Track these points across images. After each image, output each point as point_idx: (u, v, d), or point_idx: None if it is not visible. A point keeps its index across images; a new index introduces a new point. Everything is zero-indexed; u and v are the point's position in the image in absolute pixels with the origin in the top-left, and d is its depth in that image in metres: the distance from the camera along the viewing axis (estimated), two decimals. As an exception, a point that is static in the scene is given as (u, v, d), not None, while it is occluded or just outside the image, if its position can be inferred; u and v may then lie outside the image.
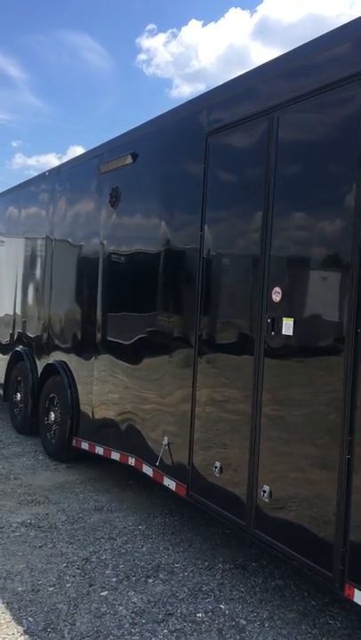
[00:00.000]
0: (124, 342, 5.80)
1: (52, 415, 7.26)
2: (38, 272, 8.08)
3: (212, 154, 4.51)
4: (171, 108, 5.19)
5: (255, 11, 48.11)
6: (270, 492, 3.79)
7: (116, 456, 5.84)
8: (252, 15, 49.66)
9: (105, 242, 6.23)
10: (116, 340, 5.98)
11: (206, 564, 4.62)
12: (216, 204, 4.46)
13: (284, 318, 3.73)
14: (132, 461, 5.55)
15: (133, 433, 5.53)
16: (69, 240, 7.13)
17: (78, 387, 6.79)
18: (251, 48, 49.32)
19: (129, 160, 5.70)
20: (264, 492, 3.82)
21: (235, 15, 48.61)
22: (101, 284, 6.26)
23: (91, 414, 6.41)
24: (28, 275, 8.47)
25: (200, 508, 4.67)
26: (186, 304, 4.83)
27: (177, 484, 4.81)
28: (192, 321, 4.65)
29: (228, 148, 4.37)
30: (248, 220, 4.11)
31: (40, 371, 7.72)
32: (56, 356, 7.40)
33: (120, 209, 5.94)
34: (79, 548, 4.79)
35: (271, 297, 3.84)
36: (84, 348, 6.65)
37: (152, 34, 48.86)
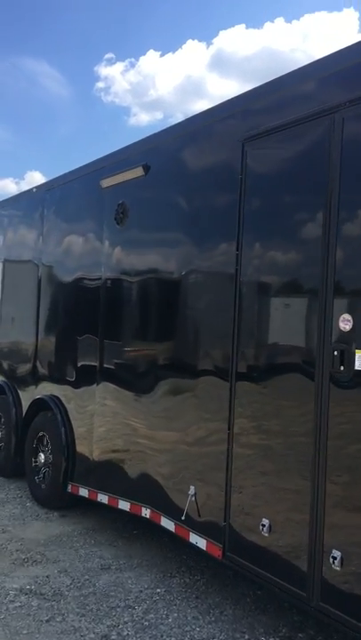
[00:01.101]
0: (134, 374, 5.15)
1: (42, 456, 6.50)
2: (22, 298, 7.35)
3: (250, 162, 3.95)
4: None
5: (211, 43, 49.03)
6: (342, 559, 3.17)
7: (124, 506, 5.13)
8: (208, 47, 50.60)
9: (109, 262, 5.60)
10: (124, 371, 5.32)
11: (246, 637, 3.94)
12: (259, 218, 3.89)
13: (357, 350, 3.16)
14: (146, 513, 4.85)
15: (148, 480, 4.85)
16: (62, 262, 6.46)
17: (74, 424, 6.08)
18: (207, 79, 50.20)
19: (140, 172, 5.11)
20: (334, 558, 3.20)
21: (192, 47, 49.48)
22: (104, 308, 5.60)
23: (91, 456, 5.69)
24: (8, 301, 7.73)
25: (240, 572, 4.01)
26: (216, 330, 4.22)
27: (209, 542, 4.14)
28: (226, 349, 4.04)
29: (274, 155, 3.82)
30: (304, 236, 3.55)
31: (26, 406, 6.95)
32: (45, 389, 6.67)
33: (127, 226, 5.33)
34: (94, 622, 4.06)
35: (338, 325, 3.26)
36: (82, 379, 5.96)
37: (110, 62, 49.07)
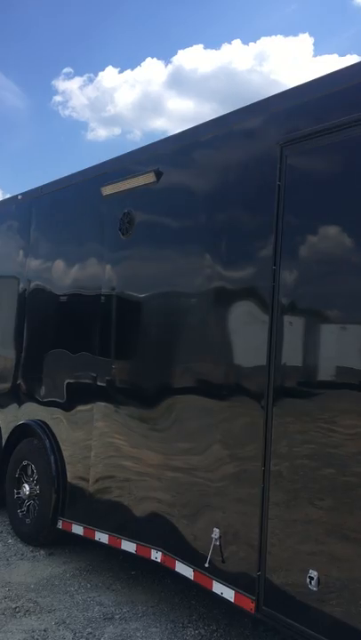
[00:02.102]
0: (142, 396, 4.67)
1: (26, 488, 5.91)
2: (3, 314, 6.75)
3: (290, 168, 3.56)
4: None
5: (170, 62, 49.35)
6: None
7: (129, 547, 4.61)
8: (166, 65, 50.92)
9: (111, 275, 5.11)
10: (130, 394, 4.83)
11: None
12: (303, 229, 3.50)
13: None
14: (156, 556, 4.35)
15: (159, 518, 4.36)
16: (53, 276, 5.93)
17: (65, 452, 5.53)
18: (165, 97, 50.57)
19: (150, 179, 4.67)
20: None
21: (150, 64, 49.68)
22: (106, 326, 5.12)
23: (87, 489, 5.16)
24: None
25: (278, 629, 3.55)
26: (247, 351, 3.80)
27: (238, 594, 3.67)
28: (260, 372, 3.61)
29: (320, 159, 3.44)
30: (356, 246, 3.17)
31: (7, 431, 6.35)
32: (29, 414, 6.09)
33: (134, 238, 4.87)
34: None
35: None
36: (76, 401, 5.43)
37: (69, 77, 48.69)
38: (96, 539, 4.96)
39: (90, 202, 5.46)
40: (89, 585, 5.01)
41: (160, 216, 4.65)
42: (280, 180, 3.60)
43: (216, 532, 3.84)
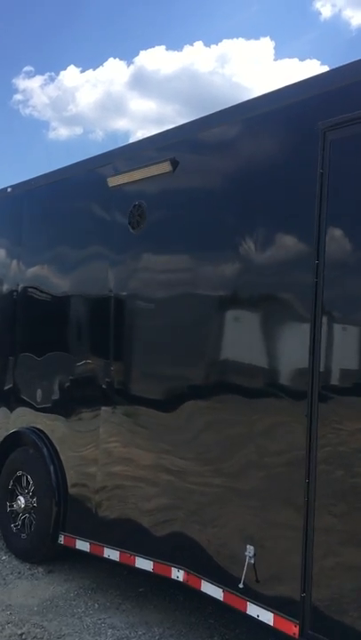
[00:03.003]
0: (160, 399, 4.35)
1: (21, 500, 5.50)
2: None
3: (335, 155, 3.29)
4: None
5: (132, 62, 49.04)
6: None
7: (145, 565, 4.28)
8: (128, 66, 50.57)
9: (120, 272, 4.77)
10: (145, 397, 4.50)
11: None
12: (351, 220, 3.23)
13: None
14: (178, 575, 4.03)
15: (181, 534, 4.04)
16: (50, 273, 5.55)
17: (65, 462, 5.16)
18: (127, 97, 50.39)
19: (166, 168, 4.35)
20: None
21: (112, 64, 49.38)
22: (117, 326, 4.77)
23: (93, 501, 4.80)
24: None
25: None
26: (287, 351, 3.52)
27: (278, 617, 3.37)
28: (301, 373, 3.34)
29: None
30: None
31: (-1, 440, 5.93)
32: (23, 421, 5.70)
33: (146, 231, 4.54)
34: None
35: None
36: (79, 407, 5.07)
37: (29, 75, 47.89)
38: (105, 556, 4.61)
39: (94, 193, 5.11)
40: (96, 605, 4.66)
41: (177, 208, 4.34)
42: (322, 168, 3.32)
43: (250, 550, 3.54)
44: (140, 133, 48.24)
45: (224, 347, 3.92)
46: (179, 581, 4.02)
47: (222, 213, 4.00)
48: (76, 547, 4.90)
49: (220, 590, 3.72)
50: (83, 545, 4.82)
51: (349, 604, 3.03)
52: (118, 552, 4.49)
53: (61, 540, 5.05)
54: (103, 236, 4.97)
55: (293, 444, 3.36)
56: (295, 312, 3.46)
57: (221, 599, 3.72)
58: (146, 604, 4.70)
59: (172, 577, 4.06)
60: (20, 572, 5.22)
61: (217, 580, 3.76)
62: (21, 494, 5.54)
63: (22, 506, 5.47)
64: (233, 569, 3.66)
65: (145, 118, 48.71)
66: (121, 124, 51.10)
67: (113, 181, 4.84)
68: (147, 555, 4.26)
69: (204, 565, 3.86)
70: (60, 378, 5.33)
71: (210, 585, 3.79)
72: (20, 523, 5.52)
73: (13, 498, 5.60)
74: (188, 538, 3.98)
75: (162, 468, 4.24)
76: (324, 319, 3.26)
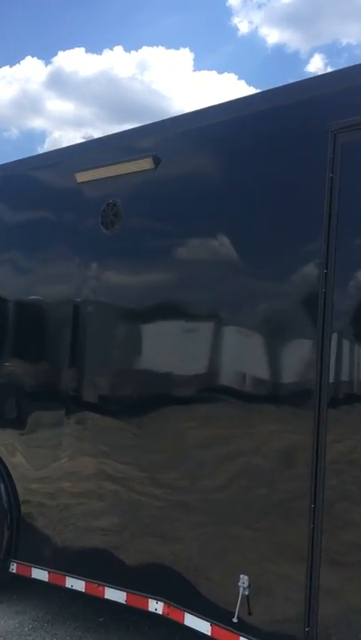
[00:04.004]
0: (130, 406, 4.03)
1: None
2: None
3: (346, 158, 3.09)
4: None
5: (50, 62, 48.40)
6: None
7: (116, 596, 3.91)
8: (46, 65, 49.97)
9: (88, 275, 4.40)
10: (113, 405, 4.17)
11: None
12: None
13: None
14: (156, 607, 3.69)
15: (160, 562, 3.70)
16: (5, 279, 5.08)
17: (18, 482, 4.70)
18: (44, 96, 49.70)
19: (147, 165, 4.03)
20: None
21: (30, 63, 48.53)
22: (81, 333, 4.39)
23: (52, 524, 4.37)
24: None
25: None
26: (292, 363, 3.29)
27: (277, 653, 3.10)
28: (307, 385, 3.12)
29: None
30: None
31: None
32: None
33: (121, 232, 4.20)
34: None
35: None
36: (37, 421, 4.64)
37: None
38: (67, 586, 4.20)
39: (59, 189, 4.72)
40: (55, 640, 4.23)
41: (159, 209, 4.03)
42: (333, 172, 3.12)
43: (244, 580, 3.26)
44: (57, 134, 47.49)
45: (221, 356, 3.63)
46: (157, 614, 3.67)
47: (213, 216, 3.72)
48: (32, 575, 4.45)
49: (208, 624, 3.41)
50: (40, 574, 4.38)
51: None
52: (84, 582, 4.09)
53: (13, 568, 4.58)
54: (67, 235, 4.58)
55: (298, 461, 3.12)
56: (301, 325, 3.23)
57: (209, 634, 3.40)
58: (109, 635, 4.32)
59: (150, 609, 3.71)
60: None
61: (202, 612, 3.45)
62: (-36, 517, 5.00)
63: (-35, 530, 4.93)
64: (221, 601, 3.37)
65: (62, 119, 48.03)
66: (37, 123, 50.16)
67: (83, 177, 4.47)
68: (118, 585, 3.89)
69: (187, 597, 3.54)
70: (13, 389, 4.87)
71: (194, 618, 3.48)
72: None
73: None
74: (168, 566, 3.65)
75: (135, 486, 3.89)
76: (333, 332, 3.05)
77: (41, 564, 4.40)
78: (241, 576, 3.27)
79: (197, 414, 3.65)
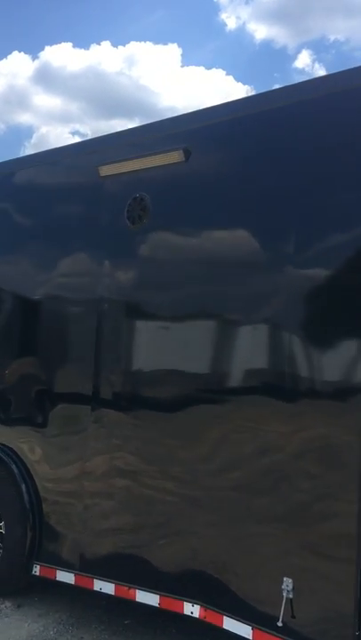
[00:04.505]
0: (173, 407, 3.89)
1: (-17, 525, 4.86)
2: None
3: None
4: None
5: (37, 57, 48.06)
6: None
7: (148, 599, 3.82)
8: (33, 60, 49.58)
9: (113, 272, 4.30)
10: (150, 405, 4.04)
11: None
12: None
13: None
14: (192, 611, 3.61)
15: (195, 563, 3.63)
16: (19, 273, 4.96)
17: (39, 481, 4.60)
18: (32, 91, 49.39)
19: (176, 158, 3.94)
20: None
21: (17, 58, 48.15)
22: (103, 331, 4.29)
23: (78, 525, 4.27)
24: None
25: None
26: (342, 358, 3.19)
27: (326, 657, 3.04)
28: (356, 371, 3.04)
29: None
30: None
31: None
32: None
33: (148, 228, 4.10)
34: None
35: None
36: (60, 418, 4.54)
37: None
38: (95, 589, 4.11)
39: (80, 183, 4.60)
40: (83, 644, 4.15)
41: (190, 203, 3.92)
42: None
43: (288, 584, 3.19)
44: (45, 129, 47.19)
45: (261, 355, 3.54)
46: (194, 617, 3.60)
47: (251, 210, 3.64)
48: (57, 578, 4.35)
49: (249, 628, 3.34)
50: (65, 576, 4.29)
51: None
52: (113, 584, 4.01)
53: (36, 570, 4.49)
54: (89, 231, 4.48)
55: (345, 460, 3.05)
56: (347, 319, 3.15)
57: (250, 638, 3.33)
58: (136, 638, 4.24)
59: (185, 612, 3.63)
60: (-17, 608, 4.60)
61: (243, 616, 3.38)
62: (-18, 519, 4.90)
63: (-17, 531, 4.83)
64: (262, 604, 3.30)
65: (50, 114, 47.72)
66: (24, 118, 49.79)
67: (106, 170, 4.37)
68: (150, 587, 3.81)
69: (226, 600, 3.47)
70: (35, 388, 4.76)
71: (234, 622, 3.41)
72: (-20, 550, 4.88)
73: (-27, 523, 4.94)
74: (204, 568, 3.57)
75: (167, 485, 3.81)
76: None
77: (66, 566, 4.31)
78: (285, 579, 3.20)
79: (238, 412, 3.56)
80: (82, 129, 50.38)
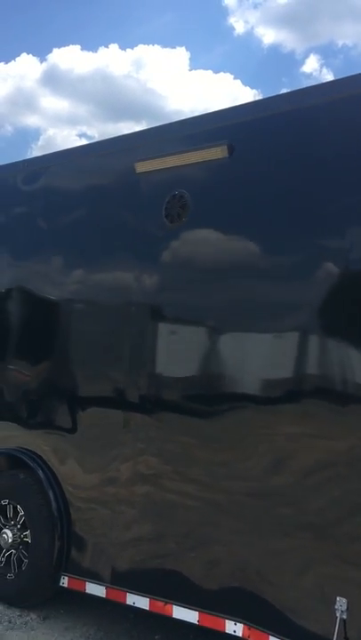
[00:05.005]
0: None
1: (8, 535, 4.67)
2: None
3: None
4: None
5: (45, 59, 48.20)
6: None
7: (186, 616, 3.64)
8: (41, 62, 49.70)
9: (151, 271, 4.14)
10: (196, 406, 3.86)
11: None
12: None
13: None
14: (235, 629, 3.42)
15: (238, 578, 3.44)
16: (51, 274, 4.79)
17: (67, 488, 4.43)
18: (39, 94, 49.51)
19: (219, 154, 3.77)
20: None
21: (25, 60, 48.33)
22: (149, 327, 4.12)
23: (109, 535, 4.10)
24: None
25: None
26: None
27: None
28: None
29: None
30: None
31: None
32: (7, 441, 4.90)
33: (188, 226, 3.94)
34: None
35: None
36: (92, 421, 4.38)
37: None
38: (128, 603, 3.93)
39: (114, 180, 4.45)
40: (115, 660, 3.97)
41: (234, 201, 3.75)
42: None
43: (341, 603, 3.00)
44: (52, 132, 47.25)
45: (310, 359, 3.37)
46: (236, 636, 3.41)
47: (295, 208, 3.47)
48: (86, 590, 4.18)
49: (297, 650, 3.15)
50: (96, 589, 4.11)
51: None
52: (148, 599, 3.82)
53: (64, 582, 4.32)
54: (123, 229, 4.32)
55: None
56: None
57: (299, 659, 3.15)
58: (171, 655, 4.06)
59: (227, 631, 3.45)
60: (10, 621, 4.42)
61: (292, 636, 3.19)
62: (6, 527, 4.72)
63: (9, 541, 4.65)
64: (313, 624, 3.12)
65: (57, 117, 47.81)
66: (32, 120, 49.90)
67: (143, 166, 4.21)
68: (189, 603, 3.63)
69: (274, 618, 3.28)
70: (63, 393, 4.60)
71: (280, 642, 3.22)
72: (3, 560, 4.71)
73: (-4, 531, 4.78)
74: (249, 584, 3.39)
75: (208, 495, 3.63)
76: None
77: (96, 578, 4.13)
78: (338, 599, 3.02)
79: (288, 419, 3.39)
80: (89, 131, 50.50)
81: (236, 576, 3.46)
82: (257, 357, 3.50)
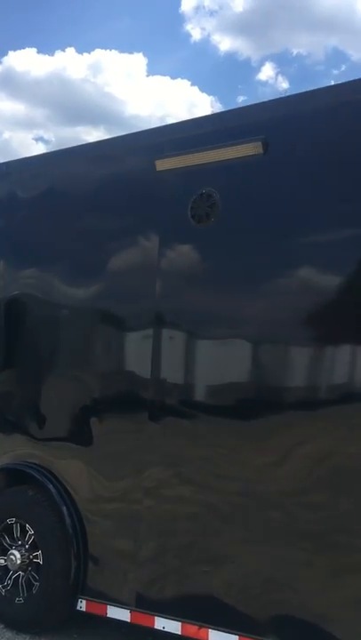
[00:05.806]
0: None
1: (16, 556, 4.37)
2: None
3: None
4: None
5: (0, 62, 47.61)
6: None
7: (224, 640, 3.41)
8: None
9: (176, 274, 3.93)
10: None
11: None
12: None
13: None
14: (280, 654, 3.21)
15: (282, 602, 3.24)
16: (60, 279, 4.52)
17: (82, 504, 4.16)
18: None
19: (253, 150, 3.59)
20: None
21: None
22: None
23: (132, 553, 3.85)
24: None
25: None
26: None
27: None
28: None
29: None
30: None
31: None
32: (14, 456, 4.61)
33: (217, 226, 3.73)
34: None
35: None
36: (107, 434, 4.13)
37: None
38: (157, 627, 3.69)
39: (131, 179, 4.22)
40: None
41: (268, 200, 3.57)
42: None
43: None
44: (8, 135, 46.41)
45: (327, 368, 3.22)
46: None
47: (333, 208, 3.31)
48: (108, 615, 3.91)
49: None
50: (119, 613, 3.85)
51: None
52: (179, 623, 3.58)
53: (82, 606, 4.04)
54: (148, 230, 4.09)
55: None
56: None
57: None
58: None
59: (271, 656, 3.24)
60: (20, 649, 4.12)
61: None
62: (14, 547, 4.43)
63: (17, 562, 4.35)
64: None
65: (13, 120, 47.15)
66: (-13, 123, 48.90)
67: (163, 164, 3.99)
68: (226, 627, 3.40)
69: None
70: (77, 400, 4.33)
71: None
72: (9, 583, 4.41)
73: (3, 552, 4.47)
74: (293, 608, 3.19)
75: (240, 508, 3.43)
76: None
77: (119, 601, 3.87)
78: None
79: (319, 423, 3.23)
80: (46, 135, 49.92)
81: (277, 598, 3.26)
82: (303, 367, 3.32)
